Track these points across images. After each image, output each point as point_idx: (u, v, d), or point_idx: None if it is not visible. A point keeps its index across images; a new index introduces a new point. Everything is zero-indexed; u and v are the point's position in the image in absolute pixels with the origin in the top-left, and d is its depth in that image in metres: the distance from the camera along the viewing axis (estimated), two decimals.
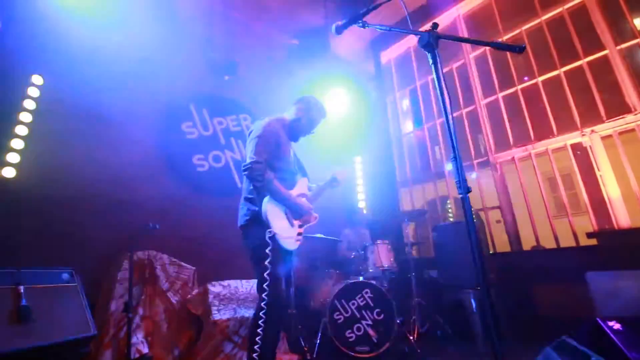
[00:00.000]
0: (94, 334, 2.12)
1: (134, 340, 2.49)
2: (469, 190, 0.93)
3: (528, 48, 3.97)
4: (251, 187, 1.92)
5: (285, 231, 1.87)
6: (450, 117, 1.00)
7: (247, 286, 3.08)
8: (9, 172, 2.70)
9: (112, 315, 2.56)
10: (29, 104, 2.89)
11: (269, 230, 1.80)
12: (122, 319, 2.49)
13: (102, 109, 3.24)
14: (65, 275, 2.22)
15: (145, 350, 2.58)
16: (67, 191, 2.87)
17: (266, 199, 1.86)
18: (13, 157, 2.74)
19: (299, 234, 1.96)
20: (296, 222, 1.97)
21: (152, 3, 3.67)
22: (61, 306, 2.07)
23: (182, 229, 3.34)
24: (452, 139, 0.96)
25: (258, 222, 1.86)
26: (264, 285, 1.75)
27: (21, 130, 2.82)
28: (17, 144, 2.78)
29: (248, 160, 1.86)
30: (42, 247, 2.66)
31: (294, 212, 1.95)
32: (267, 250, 1.76)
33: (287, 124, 2.14)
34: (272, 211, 1.85)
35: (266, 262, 1.75)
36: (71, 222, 2.83)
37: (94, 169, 3.05)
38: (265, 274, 1.76)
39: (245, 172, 1.85)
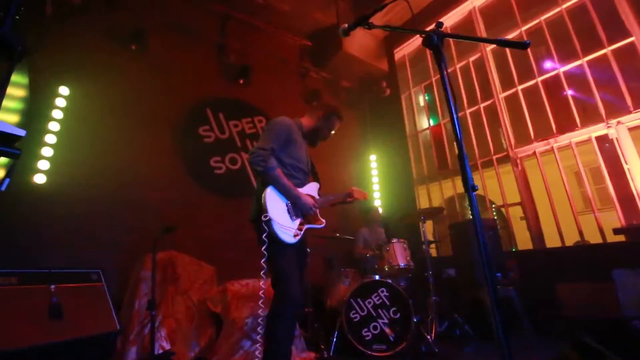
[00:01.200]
0: (119, 329, 2.23)
1: (157, 337, 2.60)
2: (475, 188, 0.92)
3: (548, 39, 3.83)
4: (259, 179, 1.95)
5: (281, 219, 1.83)
6: (456, 114, 1.00)
7: (265, 285, 3.14)
8: (40, 179, 2.87)
9: (137, 313, 2.67)
10: (57, 114, 3.06)
11: (264, 214, 1.77)
12: (146, 316, 2.60)
13: (123, 116, 3.39)
14: (93, 276, 2.35)
15: (168, 346, 2.69)
16: (94, 195, 3.03)
17: (269, 187, 1.87)
18: (43, 164, 2.91)
19: (300, 230, 1.90)
20: (297, 219, 1.93)
21: (167, 13, 3.80)
22: (89, 304, 2.20)
23: (201, 230, 3.45)
24: (458, 137, 0.96)
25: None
26: (275, 281, 1.81)
27: (50, 139, 2.99)
28: (46, 151, 2.95)
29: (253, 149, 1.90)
30: (71, 248, 2.82)
31: (295, 205, 1.91)
32: (263, 237, 1.76)
33: (304, 127, 2.15)
34: (271, 197, 1.84)
35: (263, 249, 1.77)
36: (98, 225, 2.98)
37: (117, 174, 3.20)
38: (273, 269, 1.80)
39: (249, 158, 1.86)
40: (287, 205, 1.90)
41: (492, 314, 0.88)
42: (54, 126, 3.02)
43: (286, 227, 1.83)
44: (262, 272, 1.79)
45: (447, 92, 1.00)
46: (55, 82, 3.10)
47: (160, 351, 2.60)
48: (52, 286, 2.00)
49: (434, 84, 4.95)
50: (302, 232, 1.91)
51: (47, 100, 3.04)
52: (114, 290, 2.46)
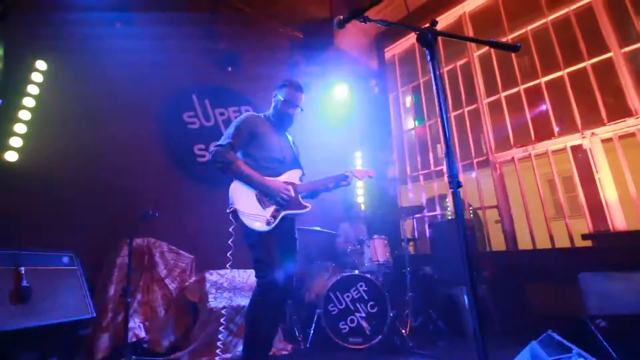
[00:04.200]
0: (93, 316, 2.17)
1: (131, 324, 2.54)
2: (459, 185, 0.95)
3: (533, 49, 3.96)
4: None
5: (248, 209, 1.82)
6: (445, 113, 1.02)
7: (244, 275, 3.12)
8: (12, 156, 2.73)
9: (111, 299, 2.61)
10: (33, 89, 2.91)
11: (228, 207, 1.82)
12: (121, 303, 2.53)
13: (105, 97, 3.26)
14: (65, 259, 2.26)
15: (142, 334, 2.64)
16: (69, 177, 2.91)
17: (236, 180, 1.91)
18: (16, 142, 2.77)
19: (274, 217, 1.85)
20: (270, 207, 1.87)
21: None
22: (61, 288, 2.12)
23: (181, 218, 3.38)
24: (446, 134, 0.98)
25: None
26: (256, 270, 1.81)
27: (24, 115, 2.85)
28: (20, 128, 2.80)
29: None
30: (42, 230, 2.70)
31: (263, 192, 1.88)
32: (230, 229, 1.79)
33: (269, 115, 2.17)
34: (237, 189, 1.87)
35: (230, 242, 1.81)
36: (72, 207, 2.87)
37: (95, 156, 3.08)
38: (254, 260, 1.80)
39: (209, 159, 1.91)
40: (256, 194, 1.88)
41: (470, 310, 0.91)
42: (28, 102, 2.88)
43: (255, 215, 1.81)
44: (228, 264, 1.85)
45: (438, 89, 1.02)
46: (32, 56, 2.94)
47: (134, 339, 2.55)
48: (22, 268, 1.91)
49: (422, 85, 5.03)
50: (277, 219, 1.85)
51: (22, 74, 2.88)
52: (88, 276, 2.37)
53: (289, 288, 1.89)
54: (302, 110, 2.16)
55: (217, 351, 2.58)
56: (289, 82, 2.13)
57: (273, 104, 2.17)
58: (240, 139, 1.94)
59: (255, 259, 1.82)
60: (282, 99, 2.10)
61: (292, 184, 2.02)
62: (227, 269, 3.04)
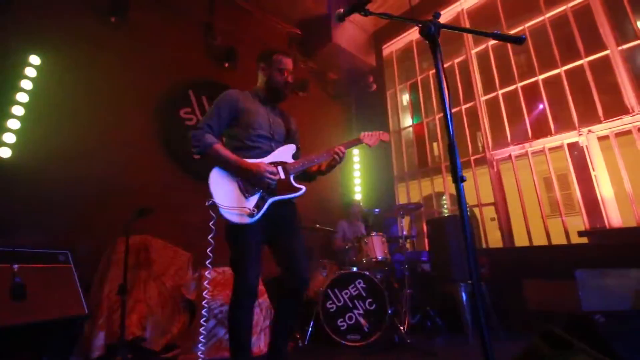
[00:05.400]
0: (86, 313, 2.14)
1: (127, 322, 2.51)
2: (463, 179, 0.94)
3: (530, 46, 3.97)
4: None
5: (228, 201, 1.62)
6: (448, 105, 1.01)
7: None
8: (5, 152, 2.68)
9: (107, 297, 2.57)
10: (26, 84, 2.86)
11: (207, 200, 1.63)
12: (117, 301, 2.50)
13: (99, 92, 3.21)
14: (60, 257, 2.23)
15: (138, 332, 2.61)
16: (63, 173, 2.86)
17: (214, 169, 1.70)
18: (9, 137, 2.72)
19: (258, 207, 1.65)
20: (254, 195, 1.67)
21: None
22: (55, 286, 2.09)
23: (178, 215, 3.35)
24: (449, 128, 0.97)
25: None
26: (232, 269, 1.66)
27: (17, 110, 2.79)
28: (13, 124, 2.75)
29: None
30: (36, 227, 2.66)
31: (245, 178, 1.68)
32: (210, 224, 1.66)
33: (260, 90, 1.93)
34: (217, 180, 1.67)
35: (209, 237, 1.69)
36: (67, 204, 2.83)
37: (90, 152, 3.04)
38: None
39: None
40: (238, 183, 1.67)
41: (476, 306, 0.90)
42: (22, 97, 2.82)
43: (236, 208, 1.61)
44: (207, 262, 1.72)
45: (441, 82, 1.00)
46: (25, 50, 2.88)
47: (131, 337, 2.53)
48: (16, 266, 1.88)
49: (419, 83, 5.02)
50: (262, 209, 1.65)
51: (15, 69, 2.82)
52: (84, 274, 2.34)
53: (299, 285, 1.69)
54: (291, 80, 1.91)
55: (214, 349, 2.56)
56: (274, 49, 1.92)
57: (259, 77, 1.93)
58: (220, 119, 1.75)
59: (230, 258, 1.67)
60: (272, 69, 1.87)
61: (283, 163, 1.78)
62: (225, 266, 3.03)
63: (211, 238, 1.71)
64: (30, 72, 2.90)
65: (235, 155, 1.70)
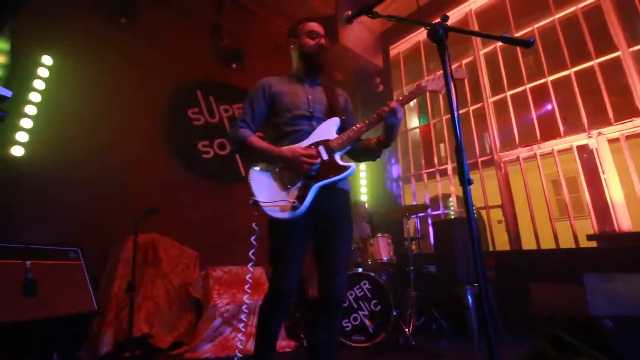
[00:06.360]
0: (95, 310, 2.18)
1: (135, 319, 2.55)
2: (470, 182, 0.94)
3: (539, 47, 3.93)
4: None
5: (268, 196, 1.47)
6: (456, 108, 1.01)
7: (248, 272, 3.12)
8: (18, 151, 2.74)
9: (115, 294, 2.62)
10: (39, 84, 2.92)
11: (250, 200, 1.48)
12: (125, 298, 2.54)
13: (110, 92, 3.27)
14: (71, 254, 2.28)
15: (146, 329, 2.65)
16: (74, 172, 2.92)
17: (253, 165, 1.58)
18: (22, 136, 2.77)
19: (301, 196, 1.46)
20: (295, 185, 1.49)
21: None
22: (66, 282, 2.13)
23: (186, 214, 3.39)
24: (456, 130, 0.97)
25: None
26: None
27: (30, 109, 2.85)
28: (26, 123, 2.81)
29: None
30: (47, 225, 2.71)
31: (283, 166, 1.52)
32: (253, 225, 1.54)
33: (295, 69, 1.78)
34: (255, 175, 1.53)
35: (252, 239, 1.54)
36: (77, 202, 2.88)
37: (100, 151, 3.09)
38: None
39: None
40: (277, 174, 1.53)
41: (483, 308, 0.90)
42: (34, 97, 2.88)
43: (276, 202, 1.46)
44: (249, 265, 1.58)
45: (449, 86, 1.01)
46: (38, 51, 2.94)
47: (138, 334, 2.56)
48: (28, 262, 1.92)
49: None
50: (306, 198, 1.45)
51: (28, 69, 2.89)
52: (93, 271, 2.39)
53: (337, 294, 1.50)
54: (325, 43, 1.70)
55: (220, 347, 2.59)
56: (299, 21, 1.75)
57: (293, 56, 1.79)
58: (254, 111, 1.62)
59: (269, 256, 1.54)
60: (301, 40, 1.70)
61: (325, 142, 1.56)
62: (231, 265, 3.06)
63: (254, 239, 1.57)
64: (43, 72, 2.96)
65: (271, 145, 1.56)
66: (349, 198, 1.69)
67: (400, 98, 1.61)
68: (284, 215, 1.43)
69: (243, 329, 2.65)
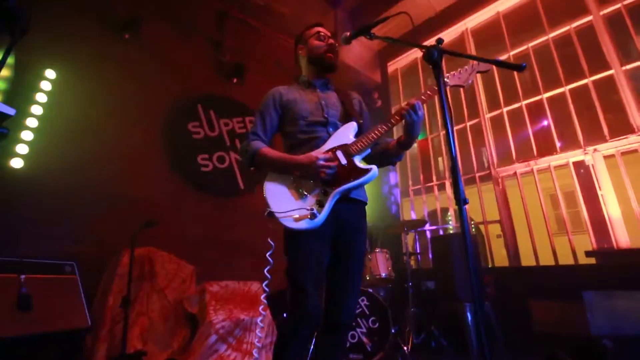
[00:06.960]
0: (89, 326, 2.15)
1: (129, 335, 2.51)
2: (466, 202, 0.95)
3: (534, 65, 4.01)
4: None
5: (284, 206, 1.37)
6: (451, 127, 1.03)
7: (245, 288, 3.09)
8: (17, 163, 2.75)
9: (110, 309, 2.57)
10: (41, 97, 2.95)
11: (265, 211, 1.38)
12: (119, 313, 2.50)
13: (111, 105, 3.30)
14: (67, 268, 2.26)
15: (139, 346, 2.60)
16: (72, 185, 2.91)
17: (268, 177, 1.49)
18: (22, 149, 2.78)
19: (320, 204, 1.37)
20: (312, 192, 1.40)
21: (163, 3, 3.76)
22: (60, 297, 2.11)
23: (183, 227, 3.37)
24: (452, 151, 0.99)
25: None
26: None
27: (31, 122, 2.87)
28: (26, 135, 2.83)
29: None
30: (44, 237, 2.69)
31: (299, 174, 1.43)
32: (269, 240, 1.47)
33: (303, 76, 1.75)
34: (269, 187, 1.44)
35: (267, 255, 1.45)
36: (75, 215, 2.87)
37: (99, 164, 3.10)
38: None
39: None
40: (293, 183, 1.43)
41: (476, 327, 0.89)
42: (36, 110, 2.91)
43: (287, 212, 1.35)
44: (264, 284, 1.48)
45: (444, 107, 1.03)
46: (41, 65, 2.99)
47: (132, 350, 2.51)
48: (22, 276, 1.91)
49: None
50: (325, 205, 1.36)
51: (31, 82, 2.92)
52: (89, 285, 2.36)
53: (348, 318, 1.41)
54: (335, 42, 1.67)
55: None
56: (305, 28, 1.75)
57: (302, 63, 1.76)
58: (265, 122, 1.57)
59: (286, 273, 1.38)
60: (309, 46, 1.68)
61: (343, 146, 1.47)
62: (228, 280, 3.03)
63: (269, 256, 1.46)
64: (46, 85, 2.99)
65: (285, 154, 1.50)
66: (365, 211, 1.63)
67: (422, 95, 1.51)
68: (302, 225, 1.32)
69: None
